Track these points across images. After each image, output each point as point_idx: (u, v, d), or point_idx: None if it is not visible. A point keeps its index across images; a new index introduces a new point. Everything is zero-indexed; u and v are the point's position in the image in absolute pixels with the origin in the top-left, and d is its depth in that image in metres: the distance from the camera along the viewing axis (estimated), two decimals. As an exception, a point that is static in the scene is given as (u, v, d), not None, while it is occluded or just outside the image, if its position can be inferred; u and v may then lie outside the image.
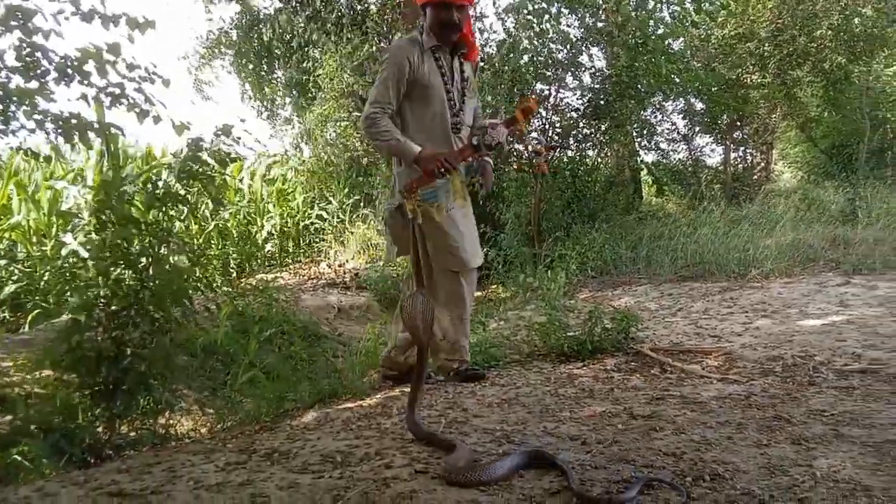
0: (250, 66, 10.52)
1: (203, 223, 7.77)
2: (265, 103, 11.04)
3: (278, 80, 10.79)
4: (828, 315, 4.10)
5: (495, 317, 5.04)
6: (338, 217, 8.92)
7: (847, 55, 9.95)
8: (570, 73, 8.26)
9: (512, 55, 7.23)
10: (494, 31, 11.24)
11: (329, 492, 1.67)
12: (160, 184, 3.04)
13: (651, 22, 7.84)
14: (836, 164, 10.45)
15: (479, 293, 7.21)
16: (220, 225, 8.20)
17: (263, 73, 10.64)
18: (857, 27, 9.70)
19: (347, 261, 7.97)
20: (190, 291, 2.98)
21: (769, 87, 10.51)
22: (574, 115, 8.33)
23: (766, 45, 10.11)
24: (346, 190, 9.22)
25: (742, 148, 12.04)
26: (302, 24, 9.15)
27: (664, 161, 10.74)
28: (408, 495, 1.64)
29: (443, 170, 2.89)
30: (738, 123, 11.42)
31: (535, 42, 7.48)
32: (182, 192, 3.11)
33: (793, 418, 2.18)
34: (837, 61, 10.04)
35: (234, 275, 7.79)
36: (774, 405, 2.37)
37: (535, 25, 7.36)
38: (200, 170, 3.00)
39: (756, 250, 6.31)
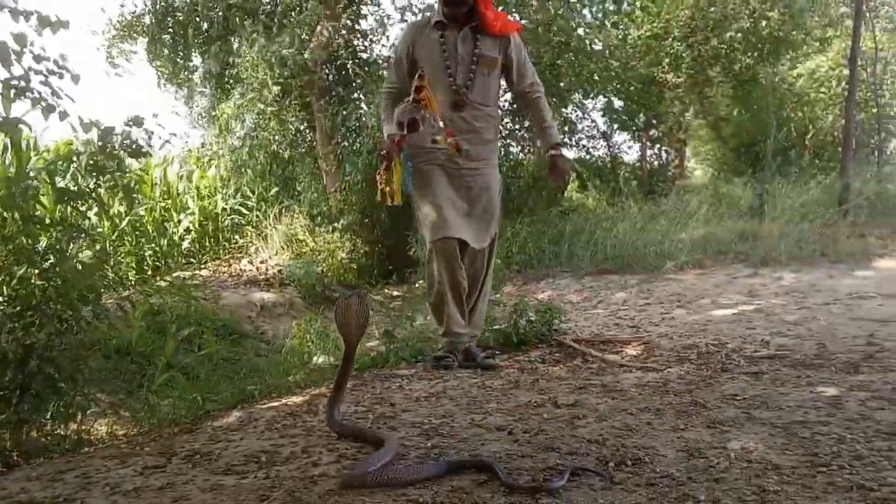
0: (165, 52, 10.09)
1: (116, 219, 7.43)
2: (181, 93, 10.60)
3: (194, 68, 10.40)
4: (738, 305, 4.30)
5: (422, 312, 5.04)
6: (259, 212, 8.71)
7: (755, 57, 10.44)
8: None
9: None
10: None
11: (254, 492, 1.63)
12: (68, 177, 2.90)
13: (573, 22, 8.02)
14: (744, 162, 10.95)
15: (400, 292, 7.21)
16: (135, 221, 7.87)
17: (179, 61, 10.22)
18: (765, 30, 10.20)
19: (270, 257, 7.79)
20: (100, 289, 2.84)
21: (682, 86, 10.93)
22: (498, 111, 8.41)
23: (681, 45, 10.49)
24: (267, 184, 9.02)
25: (657, 145, 12.49)
26: (221, 13, 8.88)
27: (585, 157, 11.00)
28: (336, 492, 1.62)
29: (383, 159, 2.91)
30: (654, 122, 11.83)
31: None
32: (91, 185, 2.96)
33: (707, 403, 2.27)
34: (746, 63, 10.53)
35: (150, 273, 7.49)
36: (690, 391, 2.47)
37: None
38: (109, 163, 2.86)
39: (671, 244, 6.56)
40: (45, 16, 2.80)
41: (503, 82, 3.23)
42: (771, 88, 10.29)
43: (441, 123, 2.94)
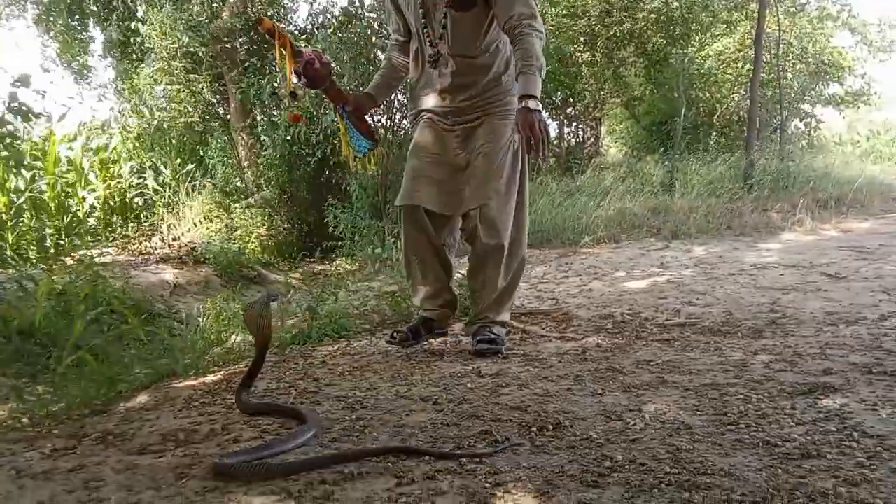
0: (59, 23, 9.46)
1: (13, 195, 7.00)
2: (76, 65, 9.93)
3: (92, 38, 9.81)
4: (651, 276, 4.46)
5: (344, 288, 4.99)
6: (171, 188, 8.38)
7: (667, 37, 10.76)
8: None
9: (359, 21, 7.11)
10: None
11: (172, 470, 1.57)
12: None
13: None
14: (656, 140, 11.32)
15: (323, 266, 7.12)
16: (35, 198, 7.42)
17: (75, 30, 9.61)
18: (675, 12, 10.51)
19: (183, 234, 7.52)
20: None
21: (597, 65, 11.16)
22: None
23: (596, 24, 10.69)
24: (179, 160, 8.67)
25: (574, 123, 12.74)
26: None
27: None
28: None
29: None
30: (571, 100, 12.04)
31: (379, 11, 7.40)
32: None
33: (624, 369, 2.35)
34: (658, 43, 10.84)
35: (52, 251, 7.10)
36: (607, 358, 2.55)
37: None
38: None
39: (588, 219, 6.73)
40: None
41: None
42: (681, 69, 10.65)
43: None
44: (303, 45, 2.58)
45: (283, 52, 2.47)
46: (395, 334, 2.79)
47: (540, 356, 2.65)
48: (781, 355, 2.44)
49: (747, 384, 2.10)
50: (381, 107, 7.69)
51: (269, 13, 8.16)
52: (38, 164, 7.61)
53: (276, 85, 7.79)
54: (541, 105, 2.39)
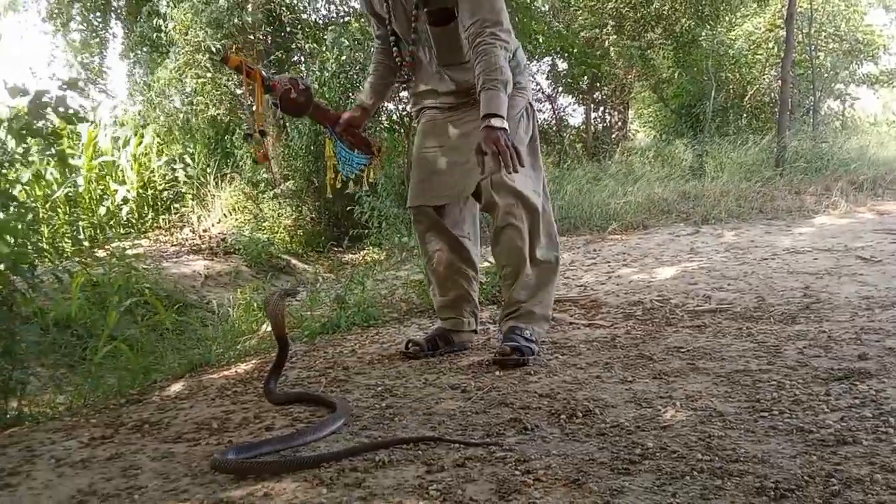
0: (90, 17, 9.55)
1: (48, 189, 7.14)
2: (93, 63, 9.96)
3: (113, 35, 9.88)
4: (681, 262, 4.41)
5: (371, 277, 5.02)
6: (200, 180, 8.48)
7: (696, 19, 10.58)
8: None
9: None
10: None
11: (207, 458, 1.60)
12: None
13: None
14: (685, 123, 11.17)
15: (351, 255, 7.16)
16: (70, 192, 7.57)
17: (98, 24, 9.68)
18: (704, -8, 10.34)
19: (213, 225, 7.62)
20: (32, 258, 2.72)
21: (625, 48, 11.02)
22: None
23: (623, 7, 10.55)
24: (207, 151, 8.77)
25: (601, 108, 12.62)
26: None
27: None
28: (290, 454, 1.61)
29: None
30: (598, 84, 11.91)
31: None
32: (21, 152, 2.81)
33: (654, 356, 2.34)
34: (686, 25, 10.66)
35: (87, 244, 7.24)
36: (637, 345, 2.53)
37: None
38: (44, 127, 2.71)
39: (616, 205, 6.67)
40: None
41: None
42: (710, 50, 10.47)
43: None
44: (288, 74, 2.43)
45: (253, 88, 2.36)
46: (409, 345, 2.62)
47: (569, 343, 2.64)
48: (815, 340, 2.40)
49: (780, 370, 2.07)
50: (398, 96, 7.68)
51: (293, 3, 8.17)
52: (78, 161, 7.75)
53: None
54: (506, 123, 2.16)
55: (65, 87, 2.80)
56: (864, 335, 2.42)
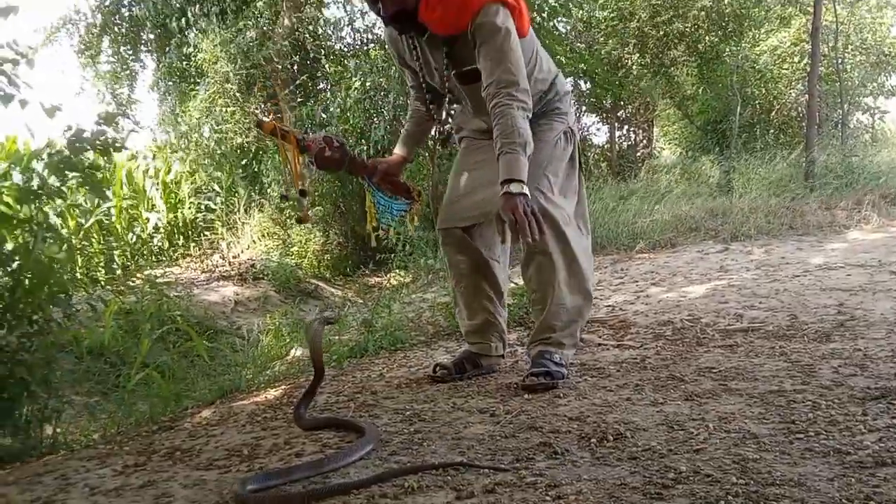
0: (121, 50, 9.79)
1: (81, 218, 7.30)
2: (122, 95, 10.16)
3: (143, 66, 10.11)
4: (710, 280, 4.36)
5: (398, 300, 5.04)
6: (228, 207, 8.62)
7: (719, 35, 10.54)
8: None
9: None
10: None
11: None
12: (34, 176, 2.82)
13: (536, 2, 8.01)
14: (711, 140, 11.09)
15: (378, 278, 7.18)
16: (103, 220, 7.74)
17: (128, 56, 9.92)
18: (727, 8, 10.30)
19: (242, 251, 7.72)
20: (69, 288, 2.78)
21: (648, 66, 11.01)
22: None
23: (646, 26, 10.55)
24: (236, 178, 8.92)
25: (626, 126, 12.60)
26: (178, 6, 8.72)
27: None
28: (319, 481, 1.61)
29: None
30: (621, 102, 11.91)
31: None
32: (57, 184, 2.89)
33: (685, 377, 2.30)
34: (710, 41, 10.63)
35: (119, 272, 7.38)
36: (667, 366, 2.50)
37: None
38: (81, 161, 2.78)
39: (643, 223, 6.62)
40: None
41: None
42: (735, 66, 10.41)
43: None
44: (322, 131, 2.42)
45: (289, 151, 2.37)
46: (437, 369, 2.60)
47: (598, 365, 2.62)
48: (851, 359, 2.35)
49: (815, 390, 2.03)
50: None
51: (317, 32, 8.30)
52: (109, 191, 7.94)
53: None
54: (526, 188, 2.11)
55: (101, 122, 2.88)
56: (901, 353, 2.37)
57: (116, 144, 2.80)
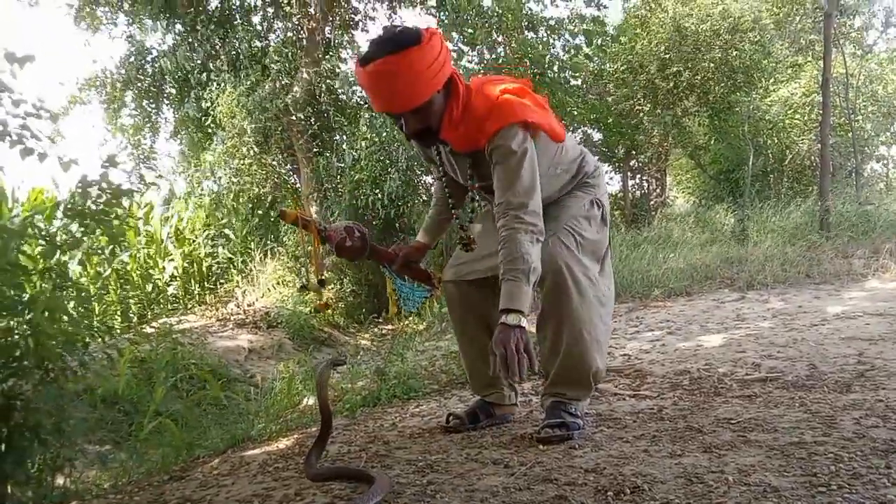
0: (143, 103, 10.10)
1: (99, 267, 7.39)
2: (143, 148, 10.40)
3: (164, 118, 10.40)
4: (727, 329, 4.31)
5: (412, 349, 5.02)
6: (245, 255, 8.70)
7: (729, 86, 10.67)
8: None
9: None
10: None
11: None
12: (55, 226, 2.87)
13: (547, 57, 8.19)
14: (724, 189, 11.12)
15: (391, 326, 7.17)
16: (119, 268, 7.82)
17: (150, 110, 10.23)
18: (736, 60, 10.44)
19: (257, 300, 7.75)
20: (86, 338, 2.80)
21: (659, 117, 11.14)
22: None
23: (656, 78, 10.71)
24: (251, 227, 9.02)
25: (638, 175, 12.67)
26: (200, 61, 8.97)
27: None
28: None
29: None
30: (634, 152, 12.01)
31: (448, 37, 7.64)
32: (78, 234, 2.94)
33: (703, 428, 2.26)
34: (720, 92, 10.75)
35: (136, 320, 7.43)
36: (685, 416, 2.45)
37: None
38: (92, 207, 2.82)
39: (658, 271, 6.60)
40: (11, 52, 2.77)
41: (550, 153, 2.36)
42: (746, 116, 10.50)
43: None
44: (337, 221, 2.44)
45: (309, 240, 2.40)
46: (450, 419, 2.55)
47: (614, 415, 2.58)
48: (872, 410, 2.30)
49: (837, 442, 1.99)
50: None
51: (334, 86, 8.48)
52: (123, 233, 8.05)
53: (343, 154, 8.05)
54: (524, 320, 2.02)
55: (107, 164, 2.94)
56: (924, 404, 2.32)
57: (125, 188, 2.84)
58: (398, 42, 2.04)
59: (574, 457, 2.06)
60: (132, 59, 9.77)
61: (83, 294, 2.95)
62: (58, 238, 2.82)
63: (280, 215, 2.48)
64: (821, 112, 8.70)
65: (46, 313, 2.52)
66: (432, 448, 2.32)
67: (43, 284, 2.72)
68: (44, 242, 2.79)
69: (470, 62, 8.88)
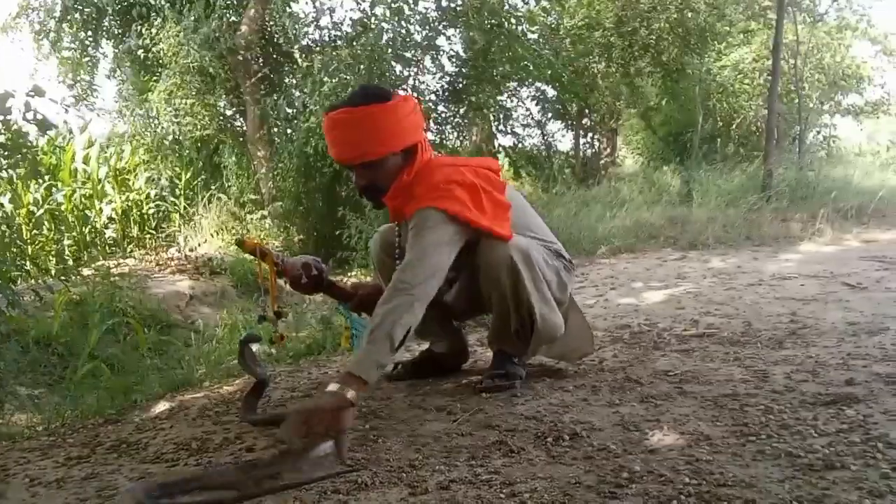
0: (81, 35, 9.52)
1: (32, 207, 7.08)
2: (81, 84, 9.87)
3: (104, 55, 9.85)
4: (668, 287, 4.41)
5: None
6: (187, 199, 8.44)
7: (682, 48, 10.72)
8: (429, 56, 8.32)
9: (371, 33, 7.14)
10: (350, 9, 11.11)
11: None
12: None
13: (505, 8, 8.06)
14: (672, 150, 11.27)
15: (338, 276, 7.10)
16: (53, 210, 7.51)
17: (88, 43, 9.66)
18: (690, 22, 10.48)
19: (199, 245, 7.55)
20: (12, 275, 2.68)
21: (613, 76, 11.15)
22: (434, 98, 8.40)
23: (612, 35, 10.68)
24: (194, 170, 8.74)
25: (590, 134, 12.72)
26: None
27: (520, 145, 11.09)
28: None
29: None
30: (587, 111, 12.03)
31: (393, 21, 7.44)
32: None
33: (641, 379, 2.32)
34: (674, 54, 10.81)
35: (71, 262, 7.16)
36: (624, 368, 2.51)
37: (391, 3, 7.33)
38: (12, 138, 2.67)
39: (604, 229, 6.69)
40: None
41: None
42: (698, 79, 10.60)
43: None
44: (302, 257, 2.32)
45: (266, 272, 2.30)
46: (397, 366, 2.57)
47: (556, 366, 2.62)
48: (803, 366, 2.39)
49: (768, 395, 2.06)
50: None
51: (285, 25, 8.18)
52: (56, 175, 7.72)
53: (293, 99, 7.82)
54: (357, 398, 1.79)
55: (31, 94, 2.78)
56: (851, 361, 2.41)
57: (48, 122, 2.70)
58: (366, 96, 2.08)
59: (515, 404, 2.09)
60: None
61: (14, 230, 2.81)
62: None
63: (237, 243, 2.41)
64: (769, 78, 8.84)
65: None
66: (376, 395, 2.32)
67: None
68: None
69: (426, 8, 8.69)
